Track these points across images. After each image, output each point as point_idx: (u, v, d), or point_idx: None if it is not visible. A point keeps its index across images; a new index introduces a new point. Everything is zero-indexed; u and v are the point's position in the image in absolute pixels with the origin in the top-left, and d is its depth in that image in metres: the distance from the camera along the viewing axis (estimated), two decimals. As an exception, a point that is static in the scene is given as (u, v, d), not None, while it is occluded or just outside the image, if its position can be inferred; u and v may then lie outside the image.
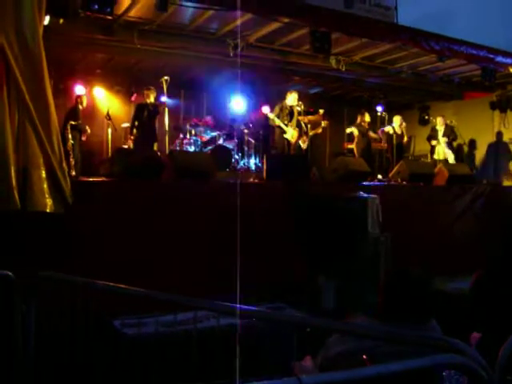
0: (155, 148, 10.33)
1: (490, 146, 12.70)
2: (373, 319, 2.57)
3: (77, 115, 10.13)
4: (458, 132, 12.15)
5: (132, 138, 10.32)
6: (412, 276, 2.67)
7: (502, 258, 3.87)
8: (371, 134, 12.15)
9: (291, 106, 10.36)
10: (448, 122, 12.24)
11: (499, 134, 12.71)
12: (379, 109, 12.70)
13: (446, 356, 1.91)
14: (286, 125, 10.24)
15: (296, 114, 10.38)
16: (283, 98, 10.60)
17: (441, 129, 12.08)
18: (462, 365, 1.88)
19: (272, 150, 10.61)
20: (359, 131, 11.92)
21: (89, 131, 10.41)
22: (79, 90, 10.95)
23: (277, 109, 10.41)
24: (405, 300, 2.56)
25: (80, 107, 10.34)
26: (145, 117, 10.25)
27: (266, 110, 10.52)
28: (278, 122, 10.21)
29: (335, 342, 2.54)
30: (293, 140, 10.31)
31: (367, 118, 12.02)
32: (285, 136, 10.25)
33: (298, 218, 6.78)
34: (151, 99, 10.28)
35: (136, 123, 10.31)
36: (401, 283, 2.65)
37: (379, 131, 12.15)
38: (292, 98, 10.36)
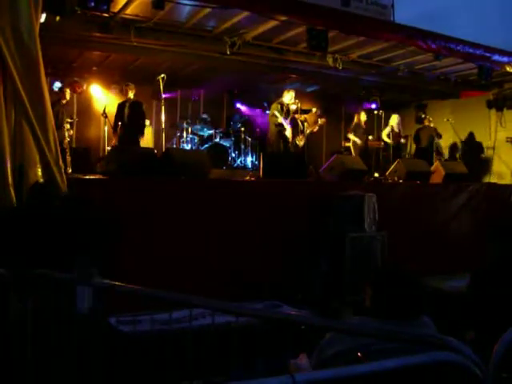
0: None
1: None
2: (365, 316, 2.57)
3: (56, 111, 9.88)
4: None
5: (116, 136, 10.30)
6: (399, 272, 2.67)
7: (499, 257, 3.88)
8: (370, 142, 12.28)
9: (288, 104, 10.41)
10: (445, 120, 12.31)
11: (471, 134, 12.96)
12: (373, 106, 12.75)
13: (441, 353, 1.92)
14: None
15: (292, 112, 10.43)
16: (280, 95, 10.63)
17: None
18: (457, 362, 1.89)
19: (268, 148, 10.62)
20: (357, 133, 12.00)
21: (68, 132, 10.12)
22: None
23: (276, 106, 10.45)
24: (392, 296, 2.56)
25: (63, 102, 10.07)
26: (125, 114, 10.20)
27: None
28: (281, 119, 10.25)
29: (331, 343, 2.53)
30: (289, 138, 10.37)
31: (363, 116, 12.07)
32: (285, 133, 10.29)
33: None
34: (130, 95, 10.24)
35: (119, 122, 10.28)
36: (388, 279, 2.65)
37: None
38: (289, 97, 10.42)
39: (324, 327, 2.48)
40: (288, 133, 10.30)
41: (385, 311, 2.55)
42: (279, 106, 10.39)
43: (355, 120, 12.14)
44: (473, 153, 13.06)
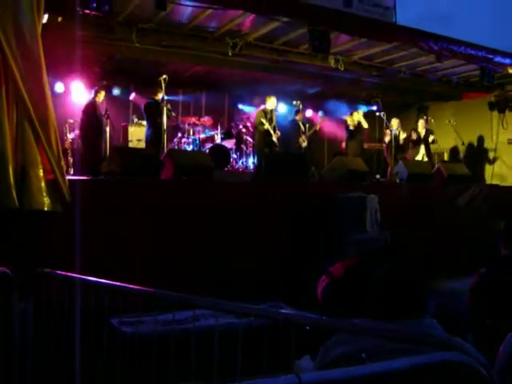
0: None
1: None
2: (367, 318, 2.55)
3: (96, 108, 10.18)
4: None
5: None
6: (400, 272, 2.65)
7: (502, 258, 3.87)
8: (370, 144, 12.26)
9: (271, 110, 10.54)
10: (447, 121, 12.27)
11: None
12: (374, 108, 12.73)
13: (447, 354, 1.90)
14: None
15: (274, 118, 10.56)
16: (281, 96, 10.69)
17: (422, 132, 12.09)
18: (462, 362, 1.87)
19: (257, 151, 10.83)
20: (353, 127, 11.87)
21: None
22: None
23: (261, 114, 10.56)
24: (394, 296, 2.53)
25: (97, 100, 10.33)
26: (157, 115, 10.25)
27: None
28: (267, 126, 10.41)
29: (333, 346, 2.50)
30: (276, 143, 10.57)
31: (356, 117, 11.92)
32: (273, 139, 10.44)
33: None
34: (159, 96, 10.24)
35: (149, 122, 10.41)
36: (389, 279, 2.63)
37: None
38: (271, 103, 10.58)
39: (329, 328, 2.47)
40: (275, 138, 10.44)
41: (386, 312, 2.53)
42: (263, 114, 10.51)
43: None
44: (477, 155, 13.00)
